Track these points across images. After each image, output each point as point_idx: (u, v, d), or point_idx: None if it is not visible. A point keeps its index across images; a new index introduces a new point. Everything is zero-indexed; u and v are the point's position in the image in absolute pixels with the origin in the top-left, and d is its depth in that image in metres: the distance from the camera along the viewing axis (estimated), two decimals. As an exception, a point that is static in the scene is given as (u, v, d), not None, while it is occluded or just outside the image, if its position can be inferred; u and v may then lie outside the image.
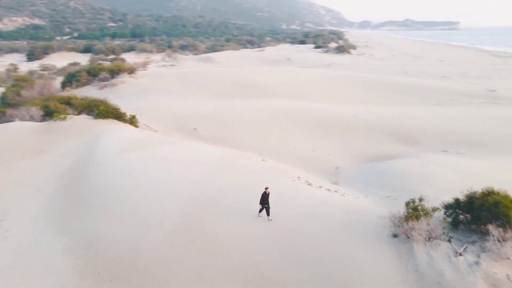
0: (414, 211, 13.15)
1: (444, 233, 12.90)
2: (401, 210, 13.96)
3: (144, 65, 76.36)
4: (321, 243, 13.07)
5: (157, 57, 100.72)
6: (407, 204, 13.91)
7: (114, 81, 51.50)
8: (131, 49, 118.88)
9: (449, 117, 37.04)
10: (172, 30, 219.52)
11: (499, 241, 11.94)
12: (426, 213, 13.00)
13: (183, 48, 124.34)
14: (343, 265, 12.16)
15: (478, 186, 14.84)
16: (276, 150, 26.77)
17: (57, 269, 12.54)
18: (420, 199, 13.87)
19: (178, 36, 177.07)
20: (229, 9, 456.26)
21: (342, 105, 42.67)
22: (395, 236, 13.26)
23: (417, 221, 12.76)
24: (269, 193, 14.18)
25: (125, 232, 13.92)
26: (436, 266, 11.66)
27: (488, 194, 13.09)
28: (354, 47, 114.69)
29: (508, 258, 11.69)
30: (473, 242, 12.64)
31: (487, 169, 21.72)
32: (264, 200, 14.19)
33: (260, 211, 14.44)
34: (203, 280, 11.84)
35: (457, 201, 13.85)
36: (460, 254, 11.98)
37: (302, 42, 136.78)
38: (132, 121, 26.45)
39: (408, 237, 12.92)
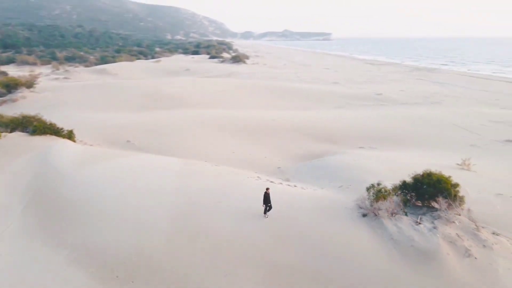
0: (380, 192, 15.90)
1: (401, 209, 15.83)
2: (362, 195, 16.66)
3: (33, 78, 70.81)
4: (308, 227, 15.06)
5: (43, 69, 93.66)
6: (368, 188, 16.62)
7: (13, 96, 47.51)
8: (10, 61, 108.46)
9: (355, 118, 42.08)
10: (50, 41, 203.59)
11: (445, 209, 15.20)
12: (389, 194, 15.83)
13: (69, 60, 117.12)
14: (333, 241, 14.30)
15: (405, 173, 18.27)
16: (217, 156, 28.11)
17: (73, 279, 12.47)
18: (378, 184, 16.69)
19: (58, 47, 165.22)
20: (109, 19, 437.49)
21: (259, 111, 45.45)
22: (364, 215, 15.82)
23: (384, 200, 15.50)
24: (269, 193, 15.75)
25: (126, 238, 14.25)
26: (405, 234, 14.43)
27: (430, 175, 16.39)
28: (247, 57, 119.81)
29: (454, 222, 14.95)
30: (423, 214, 15.75)
31: (405, 159, 25.97)
32: (267, 200, 15.69)
33: (265, 211, 15.86)
34: (220, 270, 12.95)
35: (404, 183, 16.95)
36: (419, 223, 14.95)
37: (196, 52, 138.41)
38: (70, 136, 25.51)
39: (376, 215, 15.57)
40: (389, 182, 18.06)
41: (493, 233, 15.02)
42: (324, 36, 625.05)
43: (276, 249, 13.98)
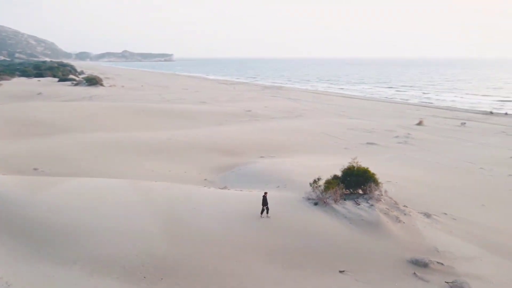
0: (330, 184, 19.95)
1: (340, 196, 20.17)
2: (308, 189, 20.57)
3: None
4: (282, 217, 18.19)
5: None
6: (312, 183, 20.54)
7: None
8: None
9: (242, 132, 46.45)
10: None
11: (373, 192, 20.07)
12: (334, 185, 20.00)
13: None
14: (303, 225, 17.73)
15: (318, 171, 23.01)
16: (139, 175, 28.81)
17: (103, 287, 13.06)
18: (319, 179, 20.75)
19: None
20: None
21: (148, 132, 46.27)
22: (315, 204, 19.67)
23: (332, 190, 19.61)
24: (266, 196, 18.26)
25: (131, 246, 15.12)
26: (353, 212, 18.70)
27: (354, 168, 21.18)
28: (101, 79, 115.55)
29: (381, 200, 19.86)
30: (356, 198, 20.36)
31: (309, 162, 31.00)
32: (265, 202, 18.12)
33: (262, 212, 18.26)
34: (231, 259, 15.12)
35: (335, 176, 21.42)
36: (359, 204, 19.44)
37: (40, 75, 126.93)
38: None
39: (325, 202, 19.57)
40: (312, 178, 22.47)
41: (404, 206, 20.44)
42: (165, 57, 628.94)
43: (266, 237, 16.78)
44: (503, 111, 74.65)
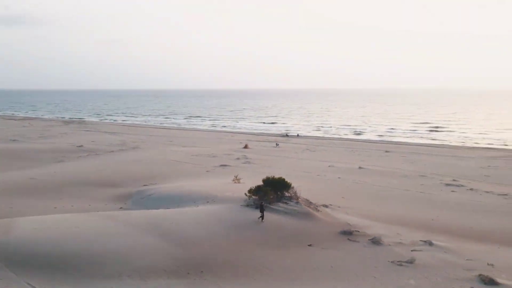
0: (260, 191, 25.57)
1: (272, 199, 26.16)
2: (246, 197, 25.91)
3: None
4: (244, 218, 23.02)
5: None
6: (246, 193, 25.93)
7: None
8: None
9: (98, 165, 46.71)
10: None
11: (293, 194, 26.82)
12: (268, 191, 25.77)
13: None
14: (248, 219, 23.10)
15: (224, 188, 28.98)
16: (54, 211, 28.10)
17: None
18: (251, 189, 26.22)
19: None
20: None
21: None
22: (257, 207, 25.15)
23: (268, 195, 25.40)
24: (262, 204, 22.49)
25: (164, 253, 17.45)
26: (289, 208, 24.92)
27: (273, 178, 27.53)
28: None
29: (299, 198, 26.73)
30: (281, 200, 26.70)
31: (202, 183, 35.60)
32: (261, 209, 22.42)
33: (262, 218, 22.60)
34: (237, 249, 19.24)
35: (257, 186, 27.33)
36: (287, 203, 25.84)
37: None
38: None
39: (254, 205, 25.27)
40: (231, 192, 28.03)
41: (307, 200, 27.93)
42: None
43: (247, 231, 21.49)
44: (295, 134, 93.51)
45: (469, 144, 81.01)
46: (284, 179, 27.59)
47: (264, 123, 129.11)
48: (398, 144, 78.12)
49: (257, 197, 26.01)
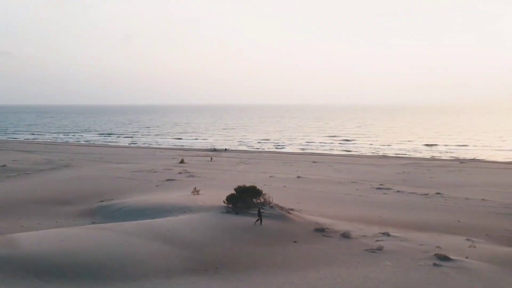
0: (236, 198, 27.87)
1: (249, 205, 28.59)
2: (223, 204, 28.05)
3: None
4: (229, 223, 25.18)
5: None
6: (225, 201, 28.09)
7: None
8: None
9: (43, 184, 44.97)
10: None
11: (264, 200, 29.51)
12: (241, 198, 28.13)
13: None
14: (243, 224, 25.44)
15: (191, 200, 31.16)
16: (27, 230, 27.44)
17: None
18: (228, 198, 28.41)
19: None
20: None
21: None
22: (237, 213, 27.41)
23: (245, 202, 27.78)
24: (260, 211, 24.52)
25: (183, 255, 18.99)
26: (266, 212, 27.55)
27: (244, 186, 29.99)
28: None
29: (271, 203, 29.48)
30: (256, 205, 29.25)
31: (165, 196, 36.69)
32: (259, 214, 24.68)
33: (260, 222, 25.13)
34: (230, 245, 21.40)
35: (231, 194, 29.64)
36: (262, 208, 28.47)
37: None
38: None
39: (242, 211, 27.61)
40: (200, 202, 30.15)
41: (277, 205, 30.86)
42: None
43: (237, 233, 23.75)
44: (222, 148, 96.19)
45: (380, 153, 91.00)
46: (255, 187, 30.31)
47: (184, 139, 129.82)
48: (321, 155, 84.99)
49: (230, 205, 28.41)
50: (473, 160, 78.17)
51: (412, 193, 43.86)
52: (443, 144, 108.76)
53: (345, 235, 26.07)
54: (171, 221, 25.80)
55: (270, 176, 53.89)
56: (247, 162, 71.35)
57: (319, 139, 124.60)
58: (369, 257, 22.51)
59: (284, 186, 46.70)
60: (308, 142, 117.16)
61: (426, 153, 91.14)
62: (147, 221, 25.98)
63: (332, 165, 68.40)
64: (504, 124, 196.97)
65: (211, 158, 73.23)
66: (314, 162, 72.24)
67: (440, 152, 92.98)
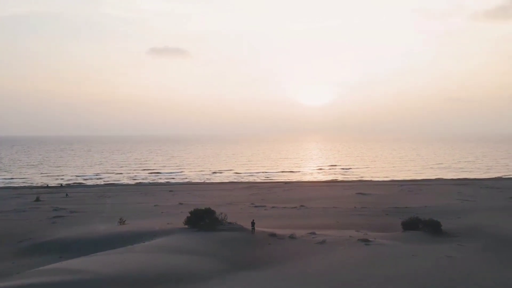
0: (196, 220, 33.05)
1: (210, 224, 33.98)
2: (184, 226, 32.94)
3: None
4: (203, 240, 30.59)
5: None
6: (186, 222, 32.96)
7: None
8: None
9: None
10: None
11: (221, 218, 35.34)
12: (202, 218, 33.38)
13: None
14: (218, 238, 31.30)
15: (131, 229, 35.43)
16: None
17: None
18: (189, 219, 33.28)
19: None
20: None
21: None
22: (199, 230, 32.67)
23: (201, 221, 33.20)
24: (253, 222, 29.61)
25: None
26: (227, 227, 33.62)
27: (200, 209, 35.19)
28: None
29: (226, 220, 35.45)
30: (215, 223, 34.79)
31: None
32: (253, 225, 30.05)
33: (253, 230, 30.06)
34: (245, 251, 27.49)
35: (190, 217, 34.52)
36: (225, 224, 34.29)
37: None
38: None
39: (205, 229, 33.02)
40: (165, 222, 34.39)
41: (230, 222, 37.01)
42: None
43: (214, 244, 29.61)
44: (58, 184, 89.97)
45: (226, 180, 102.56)
46: (210, 208, 36.01)
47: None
48: (174, 185, 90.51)
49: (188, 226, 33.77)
50: (292, 181, 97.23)
51: (284, 207, 55.34)
52: (246, 171, 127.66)
53: (292, 237, 34.64)
54: (170, 240, 29.51)
55: (154, 205, 57.45)
56: (106, 195, 71.16)
57: (143, 173, 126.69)
58: (322, 247, 31.67)
59: (181, 212, 51.66)
60: (136, 174, 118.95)
61: (246, 178, 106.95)
62: (152, 242, 28.95)
63: (190, 192, 75.26)
64: (289, 153, 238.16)
65: (67, 194, 69.97)
66: (170, 191, 77.42)
67: (257, 176, 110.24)
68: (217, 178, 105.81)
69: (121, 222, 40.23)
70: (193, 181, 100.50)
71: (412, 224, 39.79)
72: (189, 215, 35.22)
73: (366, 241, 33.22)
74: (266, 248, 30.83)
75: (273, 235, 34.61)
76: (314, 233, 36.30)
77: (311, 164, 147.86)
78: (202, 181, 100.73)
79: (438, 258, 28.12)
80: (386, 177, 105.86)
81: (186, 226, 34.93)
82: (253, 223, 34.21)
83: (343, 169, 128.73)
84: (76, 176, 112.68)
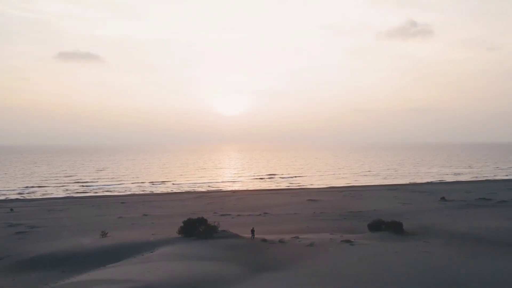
0: (190, 229, 34.32)
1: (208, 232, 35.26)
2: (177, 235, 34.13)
3: None
4: (203, 247, 32.13)
5: None
6: (181, 232, 34.13)
7: None
8: None
9: None
10: None
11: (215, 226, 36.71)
12: (197, 227, 34.64)
13: None
14: (221, 244, 32.97)
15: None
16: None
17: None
18: (183, 228, 34.41)
19: None
20: None
21: None
22: (198, 239, 33.99)
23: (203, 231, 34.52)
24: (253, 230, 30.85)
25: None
26: (226, 234, 35.19)
27: (193, 218, 36.30)
28: None
29: (219, 227, 36.89)
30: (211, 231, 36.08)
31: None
32: (252, 232, 31.41)
33: (252, 237, 31.41)
34: (257, 254, 29.55)
35: (183, 227, 35.58)
36: (219, 231, 35.74)
37: None
38: None
39: (204, 237, 34.41)
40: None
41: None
42: None
43: (229, 248, 31.39)
44: None
45: (172, 190, 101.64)
46: (202, 217, 37.34)
47: None
48: (126, 196, 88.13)
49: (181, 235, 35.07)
50: (240, 190, 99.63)
51: (249, 215, 57.62)
52: (187, 181, 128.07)
53: (281, 241, 37.13)
54: (179, 248, 30.53)
55: (118, 217, 56.59)
56: (55, 209, 67.91)
57: (72, 186, 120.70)
58: (315, 249, 34.56)
59: (153, 222, 51.77)
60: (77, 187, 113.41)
61: (190, 188, 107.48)
62: (160, 251, 29.76)
63: (144, 204, 74.43)
64: (218, 162, 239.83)
65: (11, 209, 65.61)
66: (122, 202, 75.82)
67: (201, 186, 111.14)
68: (160, 189, 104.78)
69: (104, 234, 39.78)
70: (137, 192, 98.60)
71: (376, 226, 44.37)
72: (182, 225, 36.30)
73: (349, 241, 36.79)
74: (269, 252, 33.01)
75: (264, 240, 36.86)
76: (298, 237, 39.13)
77: (248, 173, 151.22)
78: (147, 192, 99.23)
79: (418, 253, 32.38)
80: (325, 184, 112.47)
81: (179, 235, 35.91)
82: (253, 231, 36.23)
83: (282, 177, 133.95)
84: (8, 190, 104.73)
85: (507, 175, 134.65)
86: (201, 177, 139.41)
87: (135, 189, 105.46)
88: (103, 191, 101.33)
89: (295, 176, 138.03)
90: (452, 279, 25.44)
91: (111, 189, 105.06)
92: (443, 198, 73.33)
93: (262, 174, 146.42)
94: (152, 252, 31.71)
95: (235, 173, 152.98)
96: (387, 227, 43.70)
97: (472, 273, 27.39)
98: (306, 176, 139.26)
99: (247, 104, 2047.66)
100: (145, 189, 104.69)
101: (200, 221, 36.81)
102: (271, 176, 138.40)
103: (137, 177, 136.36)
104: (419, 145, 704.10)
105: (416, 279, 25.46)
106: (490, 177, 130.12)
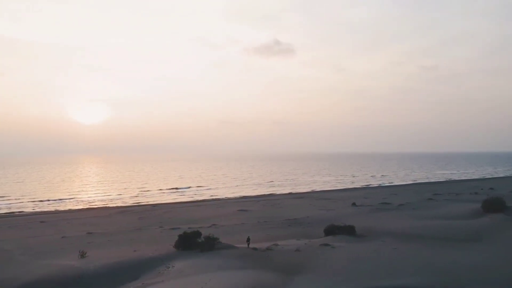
0: (187, 242, 35.71)
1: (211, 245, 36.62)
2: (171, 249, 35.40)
3: None
4: (215, 259, 34.13)
5: None
6: (176, 244, 35.39)
7: None
8: None
9: None
10: None
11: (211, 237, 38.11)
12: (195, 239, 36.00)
13: None
14: (233, 253, 35.10)
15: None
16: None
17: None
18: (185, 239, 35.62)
19: None
20: None
21: None
22: (202, 251, 35.53)
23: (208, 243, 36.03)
24: (249, 238, 32.24)
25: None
26: (229, 245, 37.01)
27: (188, 232, 37.29)
28: None
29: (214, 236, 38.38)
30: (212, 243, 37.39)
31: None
32: (248, 240, 32.79)
33: (248, 245, 32.61)
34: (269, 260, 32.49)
35: (179, 241, 36.56)
36: (217, 243, 37.31)
37: None
38: None
39: (208, 249, 35.99)
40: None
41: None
42: None
43: (236, 258, 33.85)
44: None
45: (86, 206, 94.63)
46: (198, 231, 38.57)
47: None
48: (43, 214, 79.60)
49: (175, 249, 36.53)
50: (162, 203, 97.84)
51: (200, 227, 58.66)
52: (95, 196, 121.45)
53: (269, 248, 40.31)
54: (202, 260, 31.71)
55: (87, 233, 53.79)
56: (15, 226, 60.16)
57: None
58: (300, 254, 38.31)
59: (109, 240, 49.86)
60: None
61: (102, 203, 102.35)
62: (177, 267, 30.65)
63: (69, 221, 69.43)
64: (106, 176, 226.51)
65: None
66: (42, 221, 69.62)
67: (111, 201, 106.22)
68: (70, 205, 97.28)
69: (82, 255, 37.96)
70: (45, 210, 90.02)
71: (331, 230, 50.23)
72: (178, 238, 37.16)
73: (327, 245, 41.67)
74: (274, 258, 35.88)
75: (253, 248, 39.57)
76: (277, 245, 42.63)
77: (151, 187, 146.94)
78: (58, 209, 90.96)
79: (391, 250, 38.68)
80: (236, 194, 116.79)
81: (176, 250, 36.74)
82: (248, 239, 38.65)
83: (185, 189, 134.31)
84: None
85: (381, 183, 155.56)
86: (105, 191, 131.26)
87: (42, 206, 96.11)
88: (14, 209, 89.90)
89: (199, 186, 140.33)
90: (446, 268, 31.94)
91: (16, 208, 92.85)
92: (354, 204, 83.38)
93: (162, 187, 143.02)
94: (168, 267, 32.30)
95: (138, 187, 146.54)
96: (340, 230, 49.69)
97: (432, 261, 34.43)
98: (211, 188, 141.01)
99: (110, 112, 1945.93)
100: (55, 206, 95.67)
101: (196, 234, 38.03)
102: (174, 189, 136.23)
103: (32, 194, 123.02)
104: (286, 156, 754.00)
105: (411, 269, 31.43)
106: (366, 184, 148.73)
